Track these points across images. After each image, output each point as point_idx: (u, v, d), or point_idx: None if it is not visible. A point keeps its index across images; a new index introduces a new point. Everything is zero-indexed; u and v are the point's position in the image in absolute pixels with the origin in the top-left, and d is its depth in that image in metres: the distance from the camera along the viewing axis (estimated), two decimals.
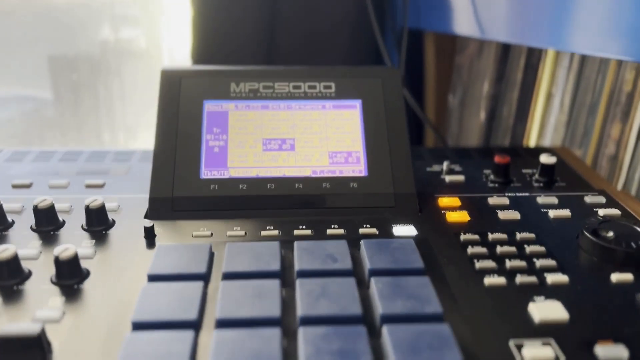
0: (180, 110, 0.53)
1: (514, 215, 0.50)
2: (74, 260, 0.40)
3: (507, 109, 0.86)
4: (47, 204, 0.46)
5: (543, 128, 0.79)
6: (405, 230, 0.47)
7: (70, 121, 1.08)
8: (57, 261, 0.39)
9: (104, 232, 0.46)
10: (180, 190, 0.50)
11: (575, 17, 0.59)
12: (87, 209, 0.46)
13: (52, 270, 0.41)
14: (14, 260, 0.40)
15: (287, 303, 0.38)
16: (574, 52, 0.69)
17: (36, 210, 0.46)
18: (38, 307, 0.38)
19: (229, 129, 0.53)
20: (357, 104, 0.55)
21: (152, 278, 0.40)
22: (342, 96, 0.55)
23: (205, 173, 0.51)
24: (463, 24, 0.80)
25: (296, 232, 0.47)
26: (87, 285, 0.40)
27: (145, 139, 1.16)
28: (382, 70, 0.57)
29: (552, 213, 0.50)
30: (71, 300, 0.38)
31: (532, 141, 0.81)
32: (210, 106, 0.54)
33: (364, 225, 0.48)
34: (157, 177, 0.50)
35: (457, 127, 0.96)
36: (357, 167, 0.52)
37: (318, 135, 0.53)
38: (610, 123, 0.66)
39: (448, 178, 0.57)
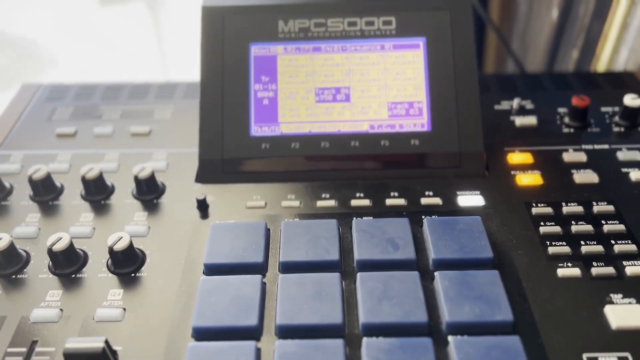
0: (225, 55, 0.48)
1: (592, 178, 0.45)
2: (130, 249, 0.39)
3: (583, 7, 0.76)
4: (94, 174, 0.44)
5: (623, 31, 0.70)
6: (471, 199, 0.44)
7: None
8: (112, 252, 0.38)
9: (155, 200, 0.45)
10: (231, 150, 0.47)
11: None
12: (137, 179, 0.44)
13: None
14: (70, 248, 0.39)
15: (349, 301, 0.37)
16: None
17: (84, 180, 0.44)
18: (99, 300, 0.38)
19: (278, 76, 0.48)
20: (421, 42, 0.48)
21: (209, 269, 0.38)
22: (404, 33, 0.49)
23: (255, 130, 0.47)
24: None
25: (353, 202, 0.44)
26: (145, 273, 0.39)
27: None
28: None
29: (633, 175, 0.46)
30: (130, 291, 0.38)
31: (608, 46, 0.72)
32: (257, 50, 0.48)
33: (426, 194, 0.45)
34: (205, 136, 0.47)
35: (524, 24, 0.86)
36: (419, 121, 0.47)
37: (376, 83, 0.48)
38: None
39: (519, 121, 0.52)
